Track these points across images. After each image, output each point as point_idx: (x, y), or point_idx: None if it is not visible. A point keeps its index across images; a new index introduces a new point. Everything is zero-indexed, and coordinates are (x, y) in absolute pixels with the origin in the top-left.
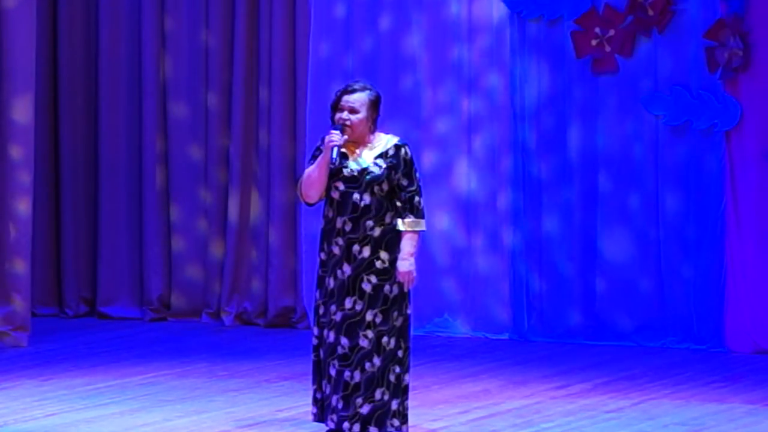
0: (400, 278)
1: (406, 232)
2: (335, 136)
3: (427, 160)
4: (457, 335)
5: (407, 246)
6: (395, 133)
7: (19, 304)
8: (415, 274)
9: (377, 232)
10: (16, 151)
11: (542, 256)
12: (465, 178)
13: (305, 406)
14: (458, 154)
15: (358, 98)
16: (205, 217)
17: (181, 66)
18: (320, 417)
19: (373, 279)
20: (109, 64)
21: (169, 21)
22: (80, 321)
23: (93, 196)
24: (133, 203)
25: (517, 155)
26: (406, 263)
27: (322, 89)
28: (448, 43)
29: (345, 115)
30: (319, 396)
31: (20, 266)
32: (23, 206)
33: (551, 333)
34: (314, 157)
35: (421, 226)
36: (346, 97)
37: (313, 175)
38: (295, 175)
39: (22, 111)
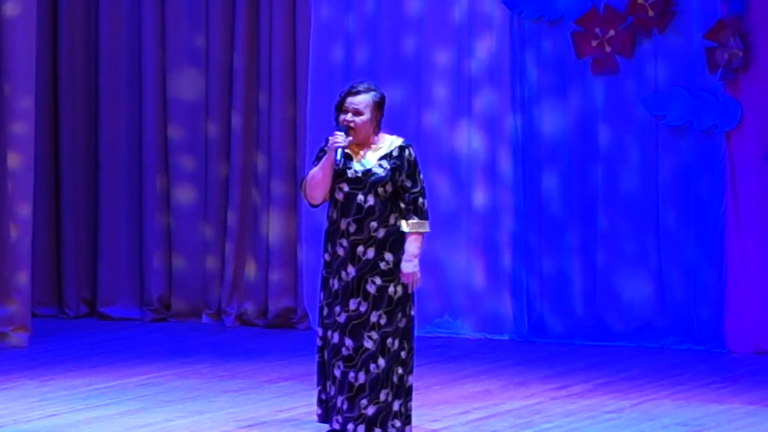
0: (404, 279)
1: (410, 233)
2: (339, 138)
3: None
4: (457, 336)
5: (411, 247)
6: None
7: (19, 305)
8: (419, 275)
9: (381, 233)
10: (17, 153)
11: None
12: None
13: (306, 406)
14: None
15: (363, 100)
16: (205, 218)
17: (181, 64)
18: (325, 418)
19: (378, 280)
20: (110, 64)
21: (169, 20)
22: (80, 322)
23: (93, 197)
24: (133, 204)
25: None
26: (410, 264)
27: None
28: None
29: (349, 116)
30: (323, 397)
31: (20, 267)
32: (23, 207)
33: (551, 334)
34: (318, 158)
35: (425, 227)
36: (350, 99)
37: (318, 176)
38: (294, 173)
39: (23, 112)
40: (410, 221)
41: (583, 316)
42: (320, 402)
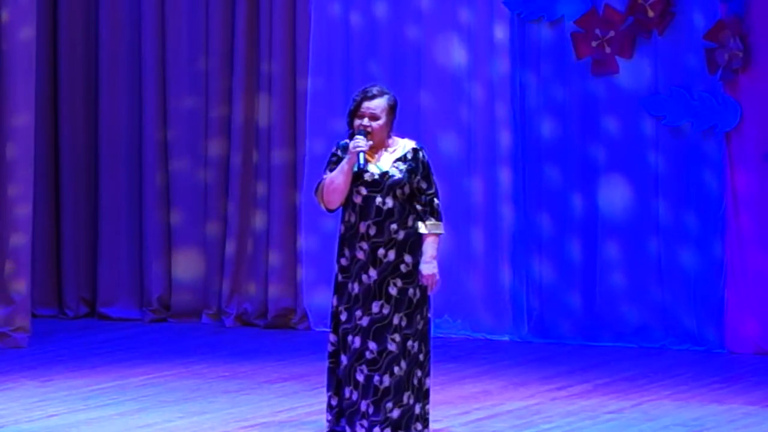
0: (424, 281)
1: (428, 235)
2: (361, 142)
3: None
4: (457, 336)
5: (430, 249)
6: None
7: (19, 305)
8: (438, 277)
9: (401, 235)
10: (16, 153)
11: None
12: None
13: (305, 407)
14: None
15: (379, 104)
16: (205, 219)
17: (182, 65)
18: (335, 423)
19: (399, 282)
20: (109, 63)
21: (169, 18)
22: (80, 322)
23: (93, 197)
24: (133, 204)
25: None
26: (430, 266)
27: None
28: None
29: (366, 121)
30: (334, 403)
31: (20, 267)
32: (23, 207)
33: (551, 334)
34: (332, 164)
35: (441, 229)
36: (366, 104)
37: (338, 180)
38: (295, 174)
39: (23, 112)
40: (428, 222)
41: (583, 316)
42: (330, 408)
